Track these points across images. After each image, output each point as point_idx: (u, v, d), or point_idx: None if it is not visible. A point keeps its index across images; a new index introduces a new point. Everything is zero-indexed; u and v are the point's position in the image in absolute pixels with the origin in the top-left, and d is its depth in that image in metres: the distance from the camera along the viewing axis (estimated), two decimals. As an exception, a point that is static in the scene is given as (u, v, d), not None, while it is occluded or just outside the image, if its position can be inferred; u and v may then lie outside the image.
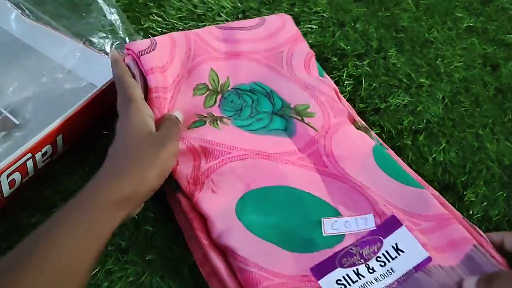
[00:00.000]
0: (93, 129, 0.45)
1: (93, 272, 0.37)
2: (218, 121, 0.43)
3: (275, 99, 0.45)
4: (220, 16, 0.57)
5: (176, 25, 0.55)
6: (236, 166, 0.40)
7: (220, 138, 0.41)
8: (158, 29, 0.55)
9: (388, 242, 0.35)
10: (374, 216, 0.37)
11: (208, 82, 0.45)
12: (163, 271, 0.37)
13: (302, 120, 0.43)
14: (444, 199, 0.40)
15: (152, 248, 0.38)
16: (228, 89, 0.45)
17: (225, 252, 0.36)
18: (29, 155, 0.39)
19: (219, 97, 0.45)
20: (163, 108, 0.41)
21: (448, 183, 0.44)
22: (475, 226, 0.38)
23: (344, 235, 0.36)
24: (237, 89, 0.45)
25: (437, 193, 0.41)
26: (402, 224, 0.36)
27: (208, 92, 0.45)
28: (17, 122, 0.42)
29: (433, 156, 0.45)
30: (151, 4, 0.58)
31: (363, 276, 0.34)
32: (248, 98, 0.45)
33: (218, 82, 0.46)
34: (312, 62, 0.48)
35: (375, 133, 0.46)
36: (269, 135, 0.43)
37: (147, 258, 0.38)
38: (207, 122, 0.42)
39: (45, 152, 0.40)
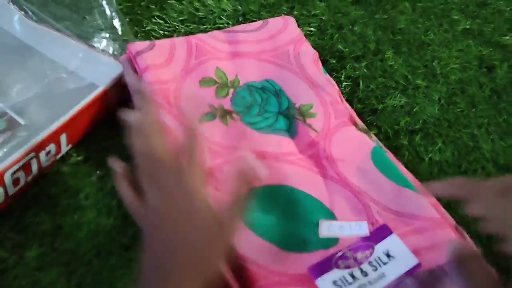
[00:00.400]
0: (97, 129, 0.46)
1: (96, 270, 0.37)
2: (228, 117, 0.44)
3: (282, 98, 0.46)
4: (221, 18, 0.58)
5: (177, 27, 0.56)
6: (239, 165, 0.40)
7: (227, 138, 0.42)
8: (160, 31, 0.55)
9: (380, 249, 0.36)
10: (367, 224, 0.38)
11: (215, 77, 0.46)
12: (165, 268, 0.38)
13: (304, 121, 0.44)
14: (441, 207, 0.41)
15: (154, 246, 0.39)
16: (240, 85, 0.47)
17: None
18: (33, 154, 0.39)
19: (231, 90, 0.46)
20: (168, 97, 0.43)
21: (444, 182, 0.44)
22: (468, 237, 0.39)
23: (338, 238, 0.37)
24: (249, 85, 0.47)
25: (434, 200, 0.41)
26: (392, 232, 0.37)
27: (218, 85, 0.46)
28: (22, 123, 0.42)
29: (429, 156, 0.46)
30: (153, 7, 0.58)
31: (358, 279, 0.35)
32: (258, 97, 0.46)
33: (227, 78, 0.47)
34: (319, 62, 0.50)
35: (373, 133, 0.47)
36: (273, 134, 0.44)
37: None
38: (218, 116, 0.44)
39: (49, 151, 0.41)
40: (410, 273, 0.35)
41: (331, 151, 0.42)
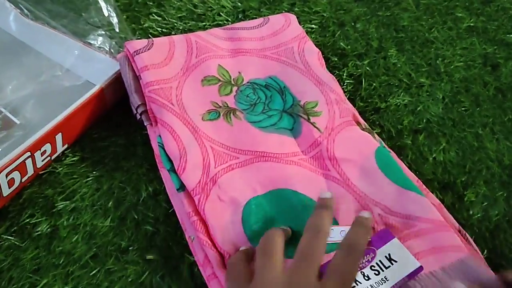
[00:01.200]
0: (93, 128, 0.45)
1: (93, 272, 0.37)
2: (232, 115, 0.43)
3: (287, 96, 0.45)
4: (220, 15, 0.57)
5: (176, 24, 0.55)
6: (243, 171, 0.40)
7: (231, 138, 0.42)
8: (158, 28, 0.55)
9: (381, 253, 0.36)
10: None
11: (218, 75, 0.46)
12: (163, 270, 0.37)
13: (308, 120, 0.43)
14: (445, 209, 0.40)
15: (152, 248, 0.38)
16: (243, 83, 0.46)
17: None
18: (28, 153, 0.39)
19: (235, 88, 0.45)
20: (170, 96, 0.42)
21: (448, 183, 0.44)
22: (471, 240, 0.38)
23: (339, 244, 0.37)
24: (253, 83, 0.46)
25: (437, 202, 0.40)
26: (394, 237, 0.37)
27: (221, 83, 0.45)
28: (17, 122, 0.42)
29: (433, 155, 0.46)
30: (151, 3, 0.58)
31: (360, 283, 0.34)
32: (262, 95, 0.45)
33: (230, 76, 0.46)
34: (322, 60, 0.49)
35: (375, 132, 0.46)
36: (277, 133, 0.43)
37: (147, 258, 0.38)
38: (221, 114, 0.43)
39: (44, 151, 0.40)
40: (411, 276, 0.35)
41: (334, 151, 0.42)
